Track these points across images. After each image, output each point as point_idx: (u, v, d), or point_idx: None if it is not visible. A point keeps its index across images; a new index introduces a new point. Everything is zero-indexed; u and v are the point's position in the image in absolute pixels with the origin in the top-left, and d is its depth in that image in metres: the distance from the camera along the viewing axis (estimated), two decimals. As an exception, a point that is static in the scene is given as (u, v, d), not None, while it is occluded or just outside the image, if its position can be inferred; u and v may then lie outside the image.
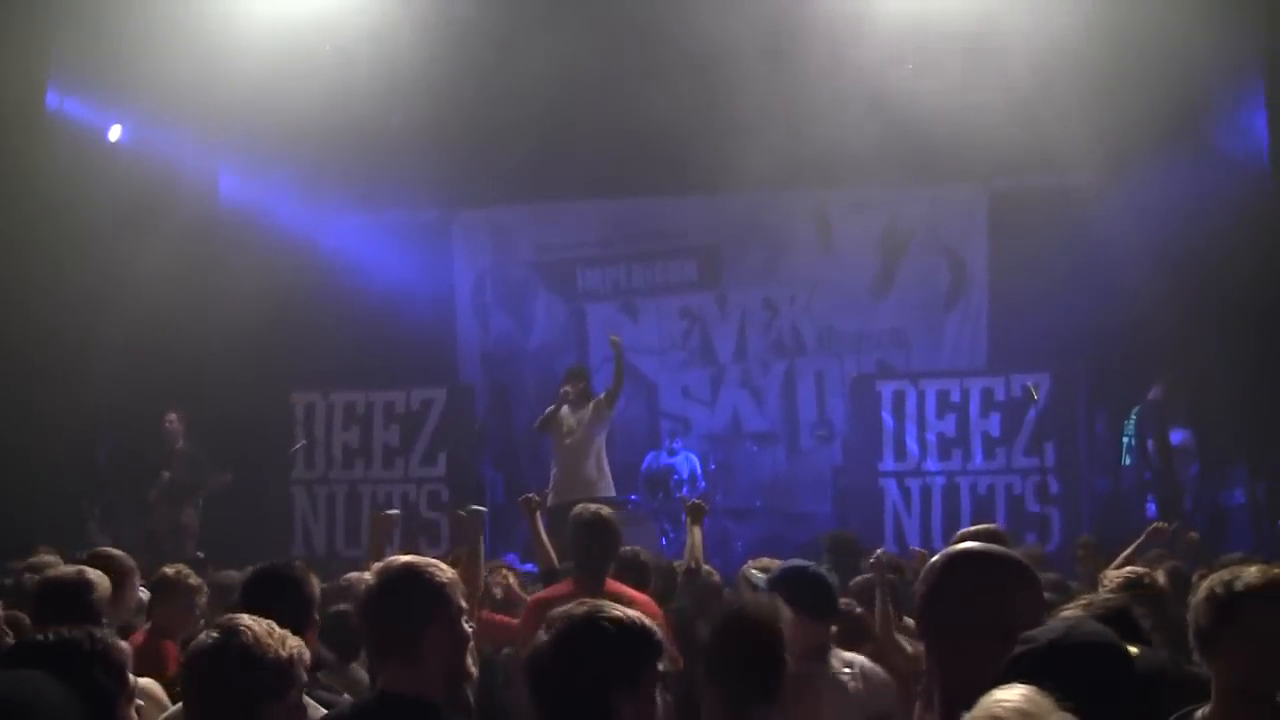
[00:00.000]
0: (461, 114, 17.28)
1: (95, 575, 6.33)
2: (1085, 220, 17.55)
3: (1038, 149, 17.17)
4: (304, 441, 17.93)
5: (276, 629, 4.01)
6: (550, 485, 14.72)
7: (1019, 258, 18.35)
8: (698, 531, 9.49)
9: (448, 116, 17.40)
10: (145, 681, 5.27)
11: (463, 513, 9.00)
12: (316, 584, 5.61)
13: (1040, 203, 18.31)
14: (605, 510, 7.80)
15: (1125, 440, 16.66)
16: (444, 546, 16.67)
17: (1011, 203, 18.98)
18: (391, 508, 17.00)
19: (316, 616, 5.42)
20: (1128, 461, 16.62)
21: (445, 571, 4.44)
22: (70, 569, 6.52)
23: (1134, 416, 16.51)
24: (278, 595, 5.28)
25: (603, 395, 15.06)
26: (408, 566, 4.41)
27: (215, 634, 3.94)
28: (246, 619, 4.01)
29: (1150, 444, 16.19)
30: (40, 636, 4.19)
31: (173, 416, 16.72)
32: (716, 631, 4.59)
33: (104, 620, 5.87)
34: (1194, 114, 16.83)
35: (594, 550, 7.59)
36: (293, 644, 4.00)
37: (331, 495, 17.95)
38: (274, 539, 16.95)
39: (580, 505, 8.07)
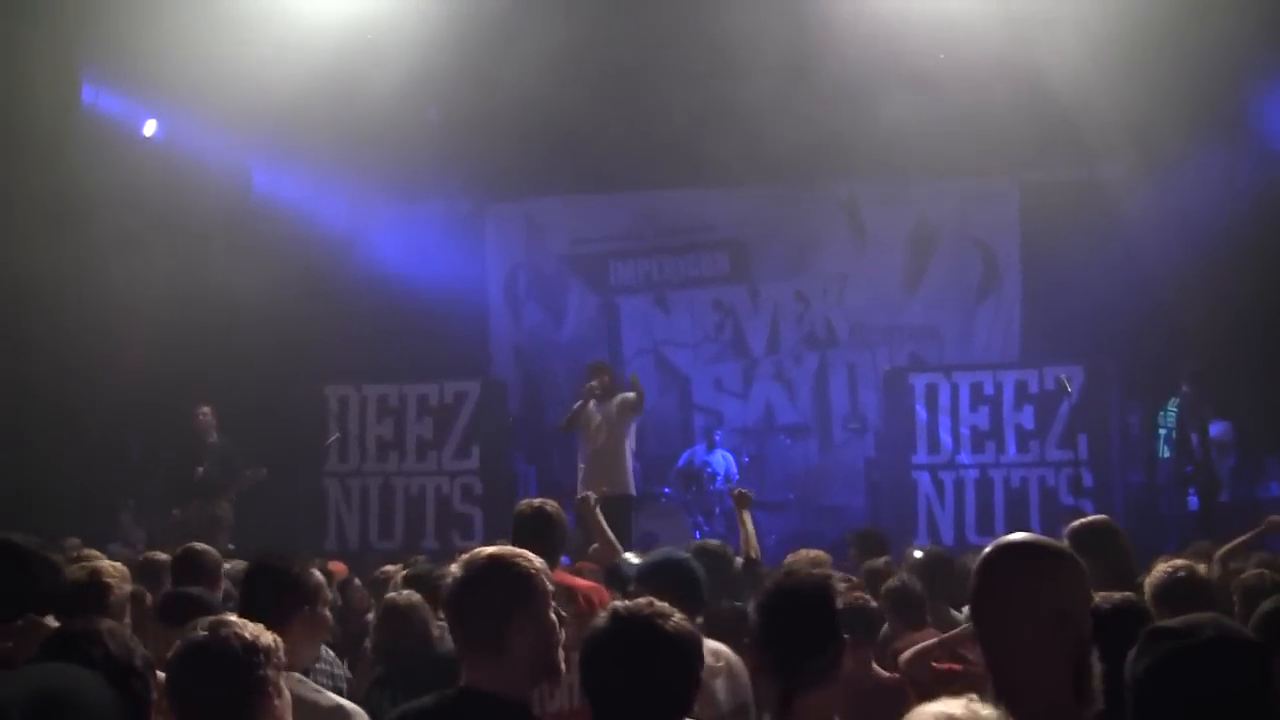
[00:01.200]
0: (494, 107, 17.26)
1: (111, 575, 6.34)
2: (1117, 212, 17.53)
3: (1069, 141, 17.14)
4: (337, 434, 17.97)
5: (249, 623, 4.05)
6: (579, 481, 14.71)
7: (1051, 250, 18.35)
8: (749, 519, 9.34)
9: (481, 110, 17.39)
10: None
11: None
12: (315, 575, 5.58)
13: (1072, 195, 18.28)
14: (549, 504, 7.63)
15: (1163, 432, 16.53)
16: (477, 539, 16.77)
17: (1043, 195, 18.93)
18: (423, 501, 17.25)
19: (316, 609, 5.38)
20: (1166, 454, 16.49)
21: (533, 562, 4.30)
22: (82, 569, 6.47)
23: (1171, 408, 16.40)
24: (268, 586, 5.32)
25: (632, 396, 14.96)
26: (492, 558, 4.30)
27: (199, 633, 3.98)
28: (226, 617, 4.05)
29: (1194, 437, 16.07)
30: (73, 630, 4.23)
31: (205, 410, 16.74)
32: (765, 603, 4.49)
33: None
34: (1227, 104, 16.75)
35: (536, 545, 7.36)
36: (268, 635, 4.05)
37: (365, 488, 17.98)
38: (307, 532, 16.99)
39: (524, 501, 7.91)
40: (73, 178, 15.81)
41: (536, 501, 7.61)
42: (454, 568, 4.34)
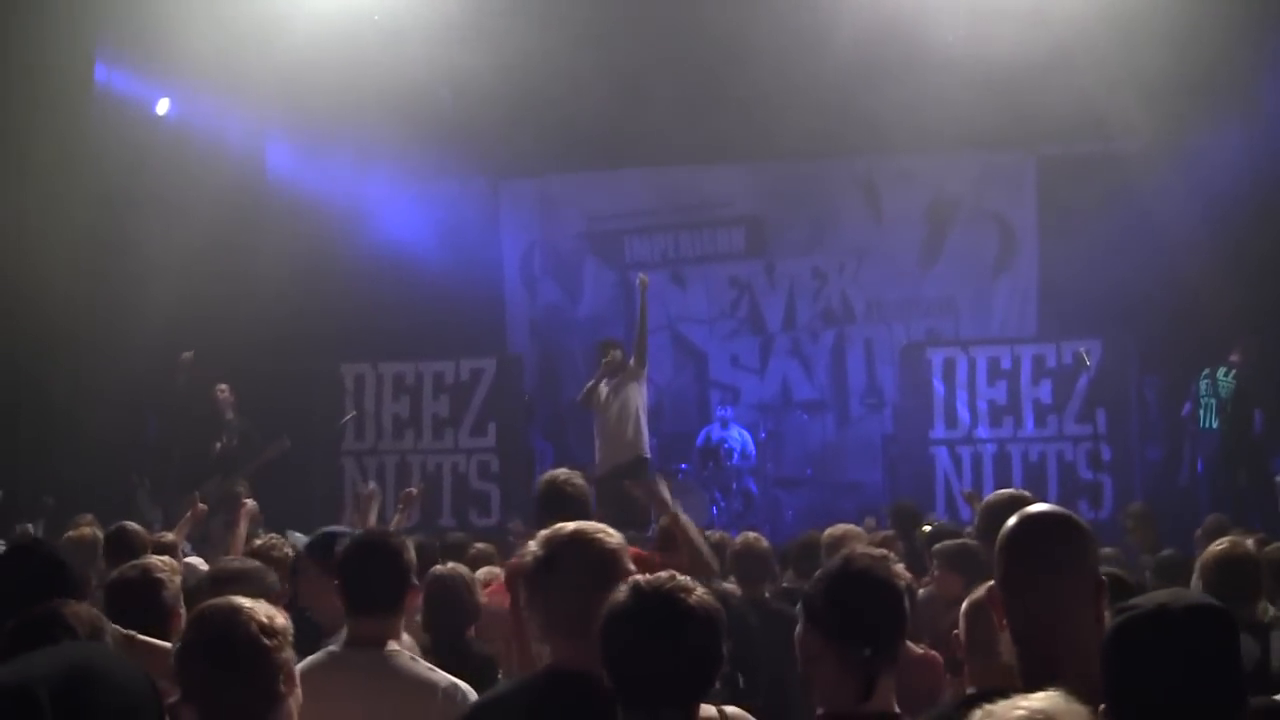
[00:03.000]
0: (508, 84, 17.20)
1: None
2: (1135, 185, 17.43)
3: (1087, 114, 17.07)
4: (353, 413, 17.94)
5: (261, 608, 3.93)
6: (596, 458, 14.67)
7: (1068, 224, 18.27)
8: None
9: (495, 87, 17.32)
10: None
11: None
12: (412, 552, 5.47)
13: (1089, 168, 18.19)
14: (576, 476, 7.41)
15: (1207, 401, 16.17)
16: (495, 517, 16.77)
17: (1060, 169, 18.85)
18: (440, 478, 17.22)
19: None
20: (1215, 424, 16.17)
21: (613, 537, 4.25)
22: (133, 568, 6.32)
23: (1225, 378, 16.04)
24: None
25: (632, 356, 14.90)
26: (575, 535, 4.24)
27: (212, 616, 3.90)
28: (240, 600, 3.94)
29: (1258, 415, 15.83)
30: (38, 615, 4.17)
31: (223, 388, 16.71)
32: (840, 592, 4.34)
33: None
34: (1244, 78, 16.68)
35: (562, 516, 7.15)
36: (281, 617, 3.95)
37: (381, 466, 17.95)
38: (324, 510, 16.95)
39: (548, 473, 7.64)
40: (86, 156, 15.81)
41: (563, 474, 7.34)
42: (533, 545, 4.30)
